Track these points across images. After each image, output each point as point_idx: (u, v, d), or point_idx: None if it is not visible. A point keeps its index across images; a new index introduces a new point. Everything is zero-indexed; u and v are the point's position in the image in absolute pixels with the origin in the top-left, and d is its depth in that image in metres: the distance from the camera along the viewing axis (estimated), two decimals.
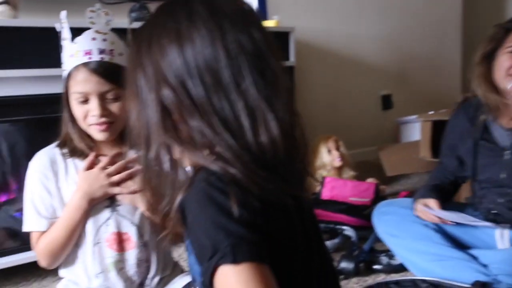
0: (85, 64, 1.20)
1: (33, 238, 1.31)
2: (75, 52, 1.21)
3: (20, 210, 1.80)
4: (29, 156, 1.78)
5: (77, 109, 1.24)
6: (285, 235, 0.76)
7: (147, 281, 1.36)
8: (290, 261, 0.77)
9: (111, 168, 1.29)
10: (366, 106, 3.63)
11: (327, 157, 2.63)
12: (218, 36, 0.72)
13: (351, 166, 2.72)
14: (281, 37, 2.40)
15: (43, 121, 1.79)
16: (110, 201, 1.30)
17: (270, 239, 0.70)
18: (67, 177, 1.30)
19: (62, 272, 1.38)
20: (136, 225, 1.32)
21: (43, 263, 1.31)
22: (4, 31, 1.65)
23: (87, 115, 1.23)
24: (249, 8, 0.79)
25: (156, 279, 1.37)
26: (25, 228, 1.31)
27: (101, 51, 1.21)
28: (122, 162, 1.31)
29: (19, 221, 1.79)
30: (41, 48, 1.69)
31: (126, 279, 1.32)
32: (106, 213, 1.30)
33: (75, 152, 1.30)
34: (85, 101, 1.22)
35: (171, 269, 1.43)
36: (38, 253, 1.31)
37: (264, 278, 0.66)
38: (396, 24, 3.72)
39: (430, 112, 2.57)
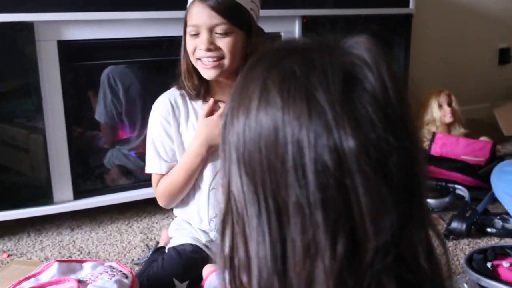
0: None
1: (154, 180, 1.36)
2: None
3: (134, 149, 1.88)
4: (144, 98, 1.85)
5: (189, 43, 1.24)
6: None
7: None
8: None
9: None
10: (481, 59, 3.37)
11: (438, 112, 2.49)
12: None
13: (462, 123, 2.56)
14: None
15: (158, 63, 1.83)
16: None
17: None
18: (187, 123, 1.33)
19: (176, 212, 1.43)
20: None
21: (161, 203, 1.38)
22: None
23: (196, 48, 1.23)
24: None
25: None
26: (147, 170, 1.36)
27: None
28: None
29: (133, 160, 1.89)
30: None
31: None
32: None
33: (191, 93, 1.31)
34: (196, 34, 1.21)
35: None
36: (158, 194, 1.36)
37: None
38: None
39: None
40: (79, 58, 1.70)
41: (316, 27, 1.99)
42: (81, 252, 1.61)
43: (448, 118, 2.48)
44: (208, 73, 1.24)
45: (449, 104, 2.51)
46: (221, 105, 1.31)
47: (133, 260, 1.56)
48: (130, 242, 1.67)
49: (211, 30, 1.20)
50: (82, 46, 1.66)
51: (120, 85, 1.83)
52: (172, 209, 1.88)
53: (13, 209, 1.64)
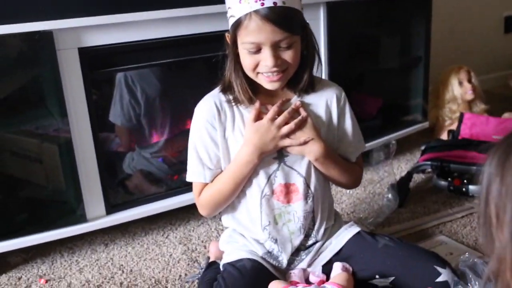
0: (256, 11, 1.09)
1: (196, 188, 1.30)
2: None
3: (161, 155, 1.78)
4: (167, 100, 1.75)
5: (248, 59, 1.15)
6: None
7: (313, 233, 1.30)
8: None
9: (280, 119, 1.21)
10: (487, 29, 3.31)
11: (459, 89, 2.44)
12: None
13: (482, 99, 2.51)
14: None
15: (181, 63, 1.73)
16: (278, 152, 1.24)
17: None
18: (234, 128, 1.24)
19: (225, 221, 1.36)
20: (304, 176, 1.25)
21: (203, 212, 1.32)
22: None
23: (258, 64, 1.14)
24: None
25: (322, 230, 1.32)
26: (189, 178, 1.29)
27: None
28: (289, 110, 1.22)
29: (159, 166, 1.79)
30: None
31: (293, 231, 1.27)
32: (274, 165, 1.25)
33: (237, 101, 1.23)
34: (257, 51, 1.12)
35: (334, 219, 1.37)
36: (200, 203, 1.30)
37: None
38: None
39: None
40: (102, 65, 1.58)
41: (340, 12, 1.91)
42: (123, 271, 1.52)
43: (469, 95, 2.43)
44: (273, 85, 1.19)
45: (469, 81, 2.46)
46: (269, 107, 1.23)
47: (180, 276, 1.48)
48: (171, 256, 1.59)
49: (275, 46, 1.12)
50: (104, 51, 1.54)
51: (139, 87, 1.73)
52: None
53: (45, 231, 1.54)
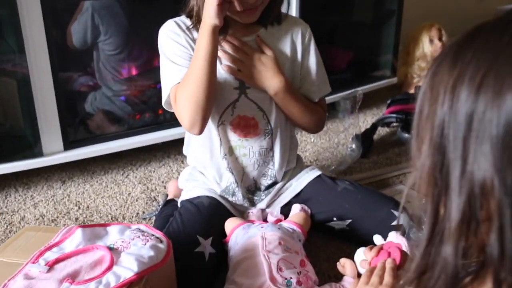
0: None
1: (173, 95, 1.18)
2: None
3: (124, 94, 1.73)
4: (133, 32, 1.69)
5: None
6: None
7: (272, 172, 1.29)
8: None
9: None
10: None
11: (429, 47, 2.44)
12: None
13: None
14: None
15: None
16: (240, 83, 1.21)
17: None
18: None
19: (189, 159, 1.34)
20: (264, 111, 1.23)
21: (185, 121, 1.16)
22: None
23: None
24: None
25: (282, 172, 1.31)
26: (164, 92, 1.19)
27: None
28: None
29: (120, 105, 1.74)
30: None
31: (246, 165, 1.26)
32: (234, 95, 1.22)
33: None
34: None
35: (296, 162, 1.36)
36: (178, 109, 1.16)
37: None
38: None
39: None
40: None
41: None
42: (79, 207, 1.49)
43: (445, 48, 2.43)
44: (251, 19, 1.16)
45: (440, 39, 2.45)
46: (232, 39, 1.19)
47: (138, 214, 1.46)
48: (130, 194, 1.56)
49: None
50: None
51: (102, 20, 1.65)
52: (168, 157, 1.78)
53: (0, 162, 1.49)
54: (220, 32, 1.14)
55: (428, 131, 0.51)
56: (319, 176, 1.33)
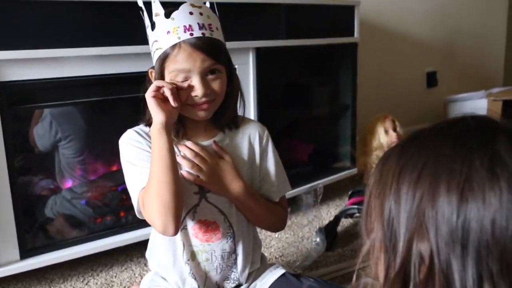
0: (185, 41, 1.09)
1: (140, 200, 1.14)
2: (173, 29, 1.09)
3: (85, 197, 1.72)
4: (93, 140, 1.70)
5: None
6: None
7: (235, 275, 1.27)
8: None
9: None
10: (410, 82, 3.50)
11: (385, 137, 2.53)
12: None
13: None
14: (345, 12, 2.26)
15: (106, 103, 1.69)
16: (200, 187, 1.21)
17: None
18: None
19: (151, 263, 1.30)
20: (225, 214, 1.23)
21: (157, 224, 1.11)
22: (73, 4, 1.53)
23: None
24: None
25: (245, 274, 1.29)
26: (133, 197, 1.16)
27: (201, 26, 1.10)
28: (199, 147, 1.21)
29: (81, 209, 1.72)
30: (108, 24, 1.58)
31: (209, 270, 1.24)
32: (195, 200, 1.21)
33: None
34: (185, 81, 1.12)
35: (260, 262, 1.35)
36: (148, 213, 1.12)
37: None
38: None
39: (495, 90, 2.44)
40: (22, 101, 1.52)
41: (269, 58, 1.95)
42: None
43: (395, 144, 2.52)
44: (203, 114, 1.15)
45: (394, 129, 2.56)
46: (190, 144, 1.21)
47: None
48: None
49: (204, 73, 1.11)
50: (25, 87, 1.49)
51: (71, 126, 1.67)
52: (131, 260, 1.74)
53: None
54: (177, 135, 1.17)
55: (378, 210, 0.60)
56: (283, 275, 1.31)
